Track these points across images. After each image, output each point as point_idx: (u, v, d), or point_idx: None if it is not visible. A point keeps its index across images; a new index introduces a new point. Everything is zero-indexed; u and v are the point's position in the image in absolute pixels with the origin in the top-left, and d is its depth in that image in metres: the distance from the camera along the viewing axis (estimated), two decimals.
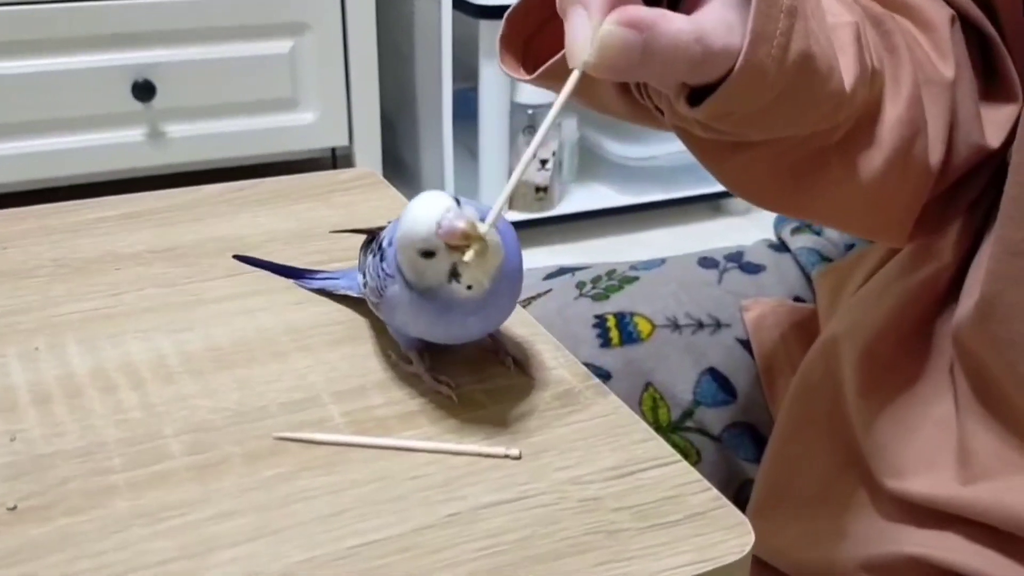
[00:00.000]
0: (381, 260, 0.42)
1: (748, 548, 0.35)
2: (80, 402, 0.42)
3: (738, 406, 0.66)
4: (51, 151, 1.49)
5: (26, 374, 0.44)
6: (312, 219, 0.61)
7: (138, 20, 1.45)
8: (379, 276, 0.42)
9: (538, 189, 1.67)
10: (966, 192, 0.50)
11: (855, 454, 0.54)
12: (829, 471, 0.56)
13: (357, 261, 0.48)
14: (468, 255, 0.36)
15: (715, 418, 0.66)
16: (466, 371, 0.45)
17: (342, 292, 0.50)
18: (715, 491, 0.37)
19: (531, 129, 1.61)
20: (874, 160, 0.43)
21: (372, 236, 0.46)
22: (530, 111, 1.61)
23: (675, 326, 0.68)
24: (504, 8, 0.44)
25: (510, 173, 1.63)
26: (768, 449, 0.60)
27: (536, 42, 0.45)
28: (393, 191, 0.65)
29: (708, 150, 0.42)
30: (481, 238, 0.36)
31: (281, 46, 1.55)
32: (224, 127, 1.57)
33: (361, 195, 0.65)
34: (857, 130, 0.43)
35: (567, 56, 0.34)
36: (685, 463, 0.39)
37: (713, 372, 0.66)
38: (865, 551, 0.52)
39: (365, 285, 0.45)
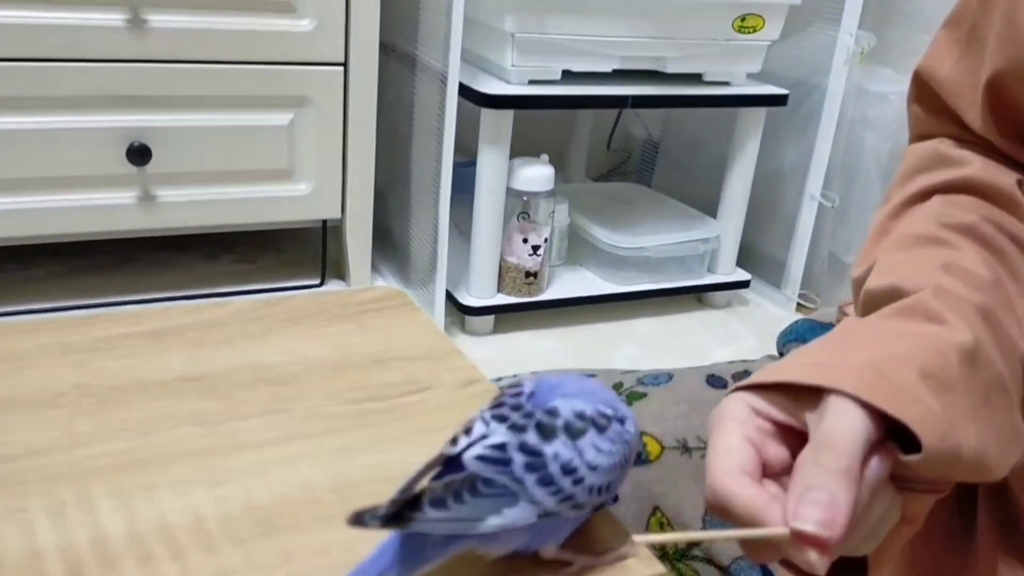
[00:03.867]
0: (622, 424, 0.40)
1: None
2: (117, 575, 0.39)
3: None
4: (42, 208, 1.45)
5: (55, 535, 0.40)
6: (345, 346, 0.59)
7: (140, 84, 1.43)
8: (616, 449, 0.39)
9: (528, 274, 1.65)
10: None
11: None
12: None
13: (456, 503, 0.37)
14: None
15: (724, 548, 0.65)
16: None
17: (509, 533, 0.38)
18: None
19: (525, 215, 1.60)
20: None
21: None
22: (524, 198, 1.60)
23: (684, 448, 0.67)
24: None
25: (501, 254, 1.62)
26: None
27: None
28: (423, 316, 0.64)
29: None
30: None
31: (281, 118, 1.54)
32: (217, 194, 1.54)
33: (392, 319, 0.63)
34: None
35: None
36: None
37: None
38: None
39: (573, 492, 0.38)
